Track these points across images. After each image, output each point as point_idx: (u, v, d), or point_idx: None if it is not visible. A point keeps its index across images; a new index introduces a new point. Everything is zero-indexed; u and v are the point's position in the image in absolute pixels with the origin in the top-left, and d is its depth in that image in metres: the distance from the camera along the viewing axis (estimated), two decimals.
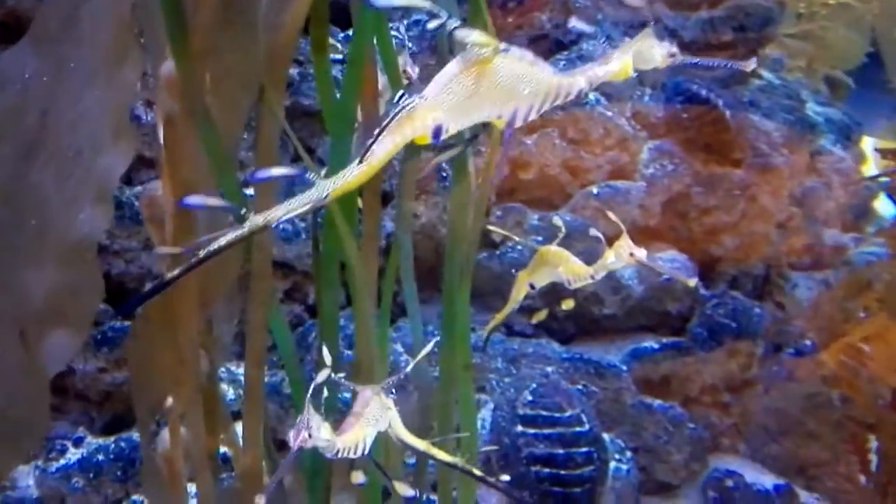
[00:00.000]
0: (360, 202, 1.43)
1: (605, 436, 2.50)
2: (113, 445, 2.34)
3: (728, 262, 2.98)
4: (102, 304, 2.41)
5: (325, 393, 1.39)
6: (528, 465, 2.34)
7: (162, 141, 1.23)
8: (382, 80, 1.42)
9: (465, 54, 0.83)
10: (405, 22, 2.83)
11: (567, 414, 2.39)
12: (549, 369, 2.62)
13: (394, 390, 1.10)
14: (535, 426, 2.38)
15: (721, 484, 2.58)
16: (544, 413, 2.39)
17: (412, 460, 1.68)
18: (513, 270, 1.83)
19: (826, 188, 3.23)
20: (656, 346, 2.77)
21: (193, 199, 0.94)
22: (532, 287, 1.49)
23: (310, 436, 0.94)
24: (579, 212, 2.80)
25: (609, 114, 2.92)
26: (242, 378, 1.42)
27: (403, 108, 0.84)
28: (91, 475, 2.28)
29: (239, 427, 1.41)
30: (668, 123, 2.99)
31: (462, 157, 1.37)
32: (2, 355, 1.16)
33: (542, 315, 1.66)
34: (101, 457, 2.31)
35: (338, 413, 1.34)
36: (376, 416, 1.06)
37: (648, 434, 2.62)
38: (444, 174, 2.72)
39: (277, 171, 0.92)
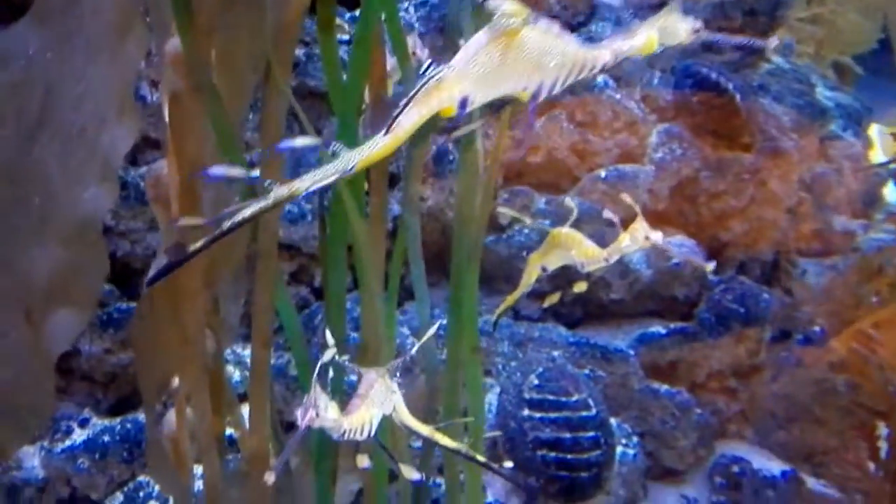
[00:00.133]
0: (366, 185, 1.41)
1: (612, 420, 2.49)
2: (119, 426, 2.34)
3: (737, 247, 2.96)
4: (108, 285, 2.40)
5: (331, 374, 1.38)
6: (535, 450, 2.33)
7: (167, 119, 1.22)
8: (391, 61, 1.40)
9: (493, 24, 0.82)
10: (413, 2, 2.81)
11: (574, 398, 2.38)
12: (556, 353, 2.61)
13: (399, 373, 1.09)
14: (541, 410, 2.37)
15: (728, 470, 2.57)
16: (551, 397, 2.38)
17: (419, 443, 1.67)
18: (524, 253, 1.81)
19: (836, 174, 3.20)
20: (664, 331, 2.75)
21: (216, 170, 0.91)
22: (544, 270, 1.48)
23: (317, 415, 0.93)
24: (587, 195, 2.78)
25: (618, 97, 2.89)
26: (249, 360, 1.41)
27: (431, 78, 0.82)
28: (97, 456, 2.28)
29: (245, 409, 1.40)
30: (678, 107, 2.96)
31: (470, 138, 1.35)
32: (7, 335, 1.15)
33: (554, 298, 1.64)
34: (106, 438, 2.31)
35: (343, 395, 1.34)
36: (381, 398, 1.05)
37: (655, 419, 2.61)
38: (451, 157, 2.70)
39: (301, 140, 0.88)
